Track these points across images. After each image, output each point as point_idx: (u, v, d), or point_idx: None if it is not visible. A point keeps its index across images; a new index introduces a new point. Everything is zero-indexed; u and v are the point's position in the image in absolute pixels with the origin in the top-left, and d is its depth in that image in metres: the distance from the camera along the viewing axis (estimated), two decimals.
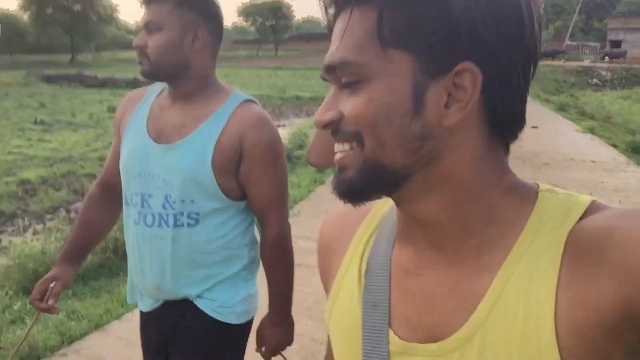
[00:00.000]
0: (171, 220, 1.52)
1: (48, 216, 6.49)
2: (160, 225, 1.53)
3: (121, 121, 1.67)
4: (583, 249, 0.55)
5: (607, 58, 44.24)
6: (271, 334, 1.67)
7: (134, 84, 19.67)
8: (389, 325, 0.66)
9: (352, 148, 0.60)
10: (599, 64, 40.03)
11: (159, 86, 1.65)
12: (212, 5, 1.55)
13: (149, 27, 1.49)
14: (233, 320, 1.62)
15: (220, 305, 1.61)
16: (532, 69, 0.60)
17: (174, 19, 1.48)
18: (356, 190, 0.61)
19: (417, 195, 0.61)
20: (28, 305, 3.43)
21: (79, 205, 4.74)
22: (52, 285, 1.65)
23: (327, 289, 0.77)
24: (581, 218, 0.58)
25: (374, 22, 0.57)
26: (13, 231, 5.98)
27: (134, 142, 1.58)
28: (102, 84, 21.60)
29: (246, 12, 76.27)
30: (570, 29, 60.21)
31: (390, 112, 0.57)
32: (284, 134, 9.80)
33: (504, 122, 0.60)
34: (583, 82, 33.48)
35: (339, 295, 0.72)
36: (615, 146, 10.67)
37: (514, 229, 0.60)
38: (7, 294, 3.82)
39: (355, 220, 0.75)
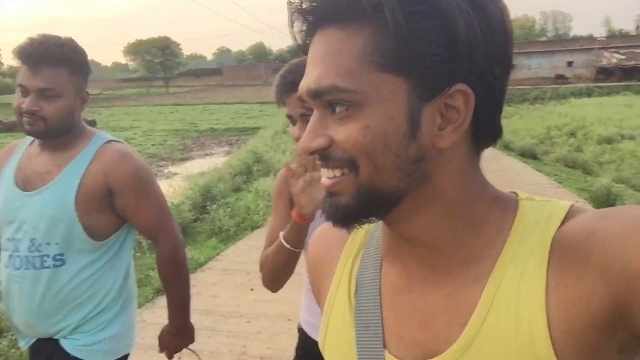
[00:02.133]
0: (38, 262, 1.60)
1: None
2: (27, 267, 1.61)
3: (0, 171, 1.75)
4: (568, 250, 0.55)
5: None
6: (170, 341, 1.79)
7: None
8: (384, 345, 0.65)
9: (343, 174, 0.59)
10: None
11: (30, 138, 1.72)
12: (87, 64, 1.64)
13: (45, 93, 1.54)
14: (98, 359, 1.66)
15: (83, 345, 1.64)
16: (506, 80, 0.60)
17: (70, 86, 1.58)
18: (350, 215, 0.60)
19: (408, 214, 0.61)
20: None
21: None
22: None
23: (320, 307, 0.78)
24: (562, 222, 0.58)
25: (363, 44, 0.55)
26: None
27: (4, 192, 1.67)
28: (10, 127, 21.38)
29: (133, 51, 75.69)
30: None
31: (387, 139, 0.56)
32: (231, 159, 10.74)
33: (487, 136, 0.61)
34: None
35: (331, 317, 0.72)
36: None
37: (499, 238, 0.61)
38: None
39: (340, 237, 0.75)
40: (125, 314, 1.74)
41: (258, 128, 20.97)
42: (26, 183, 1.64)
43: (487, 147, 0.63)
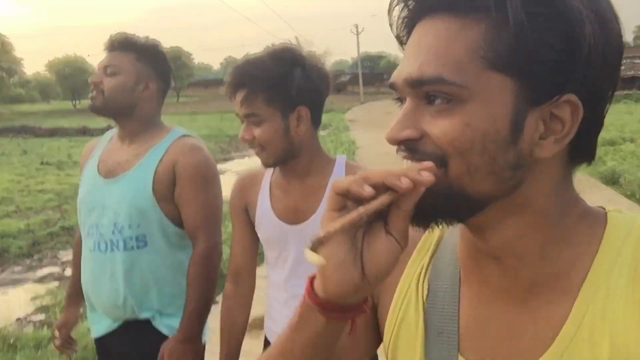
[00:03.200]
0: (121, 245, 1.74)
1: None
2: (112, 250, 1.75)
3: (83, 166, 1.93)
4: None
5: None
6: (174, 350, 1.69)
7: (83, 132, 21.28)
8: (460, 352, 0.64)
9: None
10: None
11: (110, 134, 1.93)
12: (165, 64, 1.86)
13: (107, 69, 1.77)
14: None
15: (174, 325, 1.74)
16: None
17: (132, 68, 1.78)
18: (428, 214, 0.58)
19: (494, 222, 0.59)
20: None
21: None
22: (57, 333, 1.97)
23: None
24: None
25: (477, 38, 0.53)
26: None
27: (87, 181, 1.85)
28: (52, 133, 22.80)
29: None
30: None
31: (486, 140, 0.54)
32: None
33: (583, 154, 0.59)
34: None
35: (401, 322, 0.70)
36: None
37: (589, 250, 0.60)
38: None
39: (411, 239, 0.66)
40: None
41: None
42: (108, 172, 1.81)
43: (584, 163, 0.61)
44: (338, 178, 1.43)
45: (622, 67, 0.59)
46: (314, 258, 0.56)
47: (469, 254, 0.67)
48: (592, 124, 0.57)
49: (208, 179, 1.79)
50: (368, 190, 0.54)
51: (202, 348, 1.82)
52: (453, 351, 0.65)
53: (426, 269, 0.71)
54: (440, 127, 0.55)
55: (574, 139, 0.57)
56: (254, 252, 1.69)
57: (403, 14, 0.59)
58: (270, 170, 1.61)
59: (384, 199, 0.54)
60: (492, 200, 0.58)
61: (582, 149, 0.60)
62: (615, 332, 0.56)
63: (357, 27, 54.71)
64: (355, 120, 24.49)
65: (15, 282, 5.80)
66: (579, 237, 0.61)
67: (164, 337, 1.76)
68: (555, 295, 0.61)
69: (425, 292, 0.70)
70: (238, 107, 1.45)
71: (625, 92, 38.22)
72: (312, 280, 0.61)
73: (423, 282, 0.71)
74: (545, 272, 0.61)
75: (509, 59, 0.53)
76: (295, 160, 1.50)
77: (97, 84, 1.77)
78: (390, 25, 0.61)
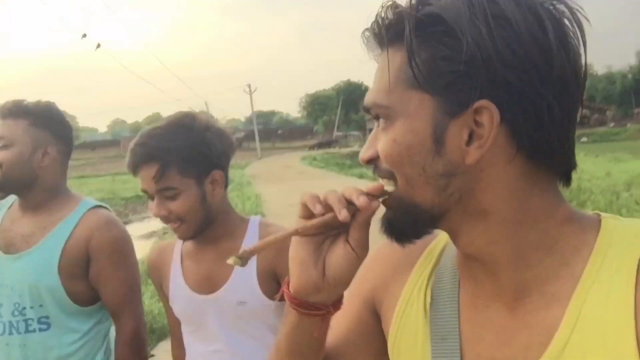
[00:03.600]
0: (22, 327, 1.60)
1: None
2: (10, 333, 1.60)
3: None
4: None
5: (316, 148, 52.67)
6: None
7: None
8: (462, 357, 0.65)
9: (394, 184, 0.63)
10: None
11: (11, 199, 1.76)
12: (63, 125, 1.72)
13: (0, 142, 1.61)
14: None
15: None
16: (576, 96, 0.59)
17: (27, 136, 1.62)
18: (397, 228, 0.64)
19: (461, 230, 0.63)
20: None
21: None
22: None
23: (379, 305, 0.77)
24: None
25: (399, 64, 0.60)
26: None
27: None
28: None
29: None
30: (336, 122, 71.46)
31: (411, 152, 0.59)
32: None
33: (542, 155, 0.59)
34: (356, 163, 40.81)
35: (404, 328, 0.72)
36: None
37: (578, 256, 0.60)
38: None
39: (415, 249, 0.74)
40: None
41: None
42: (9, 246, 1.66)
43: (560, 167, 0.62)
44: (251, 240, 1.35)
45: None
46: (230, 260, 0.64)
47: (461, 261, 0.70)
48: (527, 124, 0.58)
49: (126, 255, 1.71)
50: (318, 208, 0.65)
51: None
52: (456, 355, 0.66)
53: (429, 277, 0.74)
54: (380, 145, 0.63)
55: (517, 142, 0.58)
56: None
57: (374, 51, 0.66)
58: (180, 241, 1.54)
59: (326, 218, 0.65)
60: (444, 209, 0.62)
61: (534, 149, 0.59)
62: (611, 339, 0.56)
63: (249, 86, 56.24)
64: (256, 175, 24.62)
65: None
66: (565, 242, 0.62)
67: None
68: (546, 301, 0.61)
69: (429, 300, 0.72)
70: (147, 184, 1.37)
71: None
72: (288, 280, 0.72)
73: (426, 290, 0.73)
74: (527, 277, 0.62)
75: (421, 77, 0.59)
76: (210, 226, 1.45)
77: None
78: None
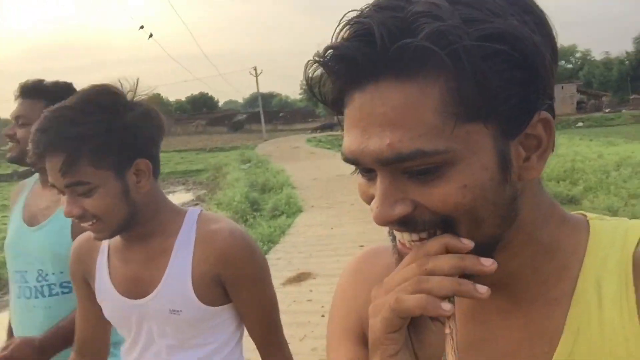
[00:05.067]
0: (46, 291, 1.75)
1: None
2: (36, 296, 1.75)
3: (12, 210, 1.97)
4: None
5: (319, 131, 52.62)
6: (25, 354, 1.52)
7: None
8: None
9: (429, 234, 0.55)
10: None
11: (33, 179, 1.97)
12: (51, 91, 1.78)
13: (19, 120, 1.80)
14: None
15: None
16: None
17: (37, 113, 1.56)
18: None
19: (497, 253, 0.57)
20: None
21: None
22: None
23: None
24: None
25: (441, 96, 0.50)
26: None
27: (13, 228, 1.89)
28: None
29: None
30: None
31: (485, 191, 0.53)
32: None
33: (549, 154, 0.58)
34: None
35: None
36: None
37: (574, 258, 0.60)
38: None
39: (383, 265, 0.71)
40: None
41: (200, 170, 22.88)
42: (32, 219, 1.83)
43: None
44: (186, 238, 1.28)
45: None
46: None
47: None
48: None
49: None
50: (449, 307, 0.53)
51: None
52: None
53: None
54: (436, 195, 0.53)
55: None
56: (102, 324, 1.43)
57: (336, 81, 0.55)
58: None
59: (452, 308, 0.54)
60: (501, 239, 0.58)
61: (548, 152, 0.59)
62: (615, 342, 0.56)
63: (255, 69, 57.29)
64: (269, 155, 25.28)
65: None
66: (562, 245, 0.61)
67: None
68: (547, 307, 0.61)
69: None
70: (54, 178, 1.14)
71: None
72: None
73: None
74: (534, 284, 0.61)
75: (478, 105, 0.51)
76: (137, 222, 1.24)
77: (11, 136, 1.83)
78: (319, 94, 0.58)
